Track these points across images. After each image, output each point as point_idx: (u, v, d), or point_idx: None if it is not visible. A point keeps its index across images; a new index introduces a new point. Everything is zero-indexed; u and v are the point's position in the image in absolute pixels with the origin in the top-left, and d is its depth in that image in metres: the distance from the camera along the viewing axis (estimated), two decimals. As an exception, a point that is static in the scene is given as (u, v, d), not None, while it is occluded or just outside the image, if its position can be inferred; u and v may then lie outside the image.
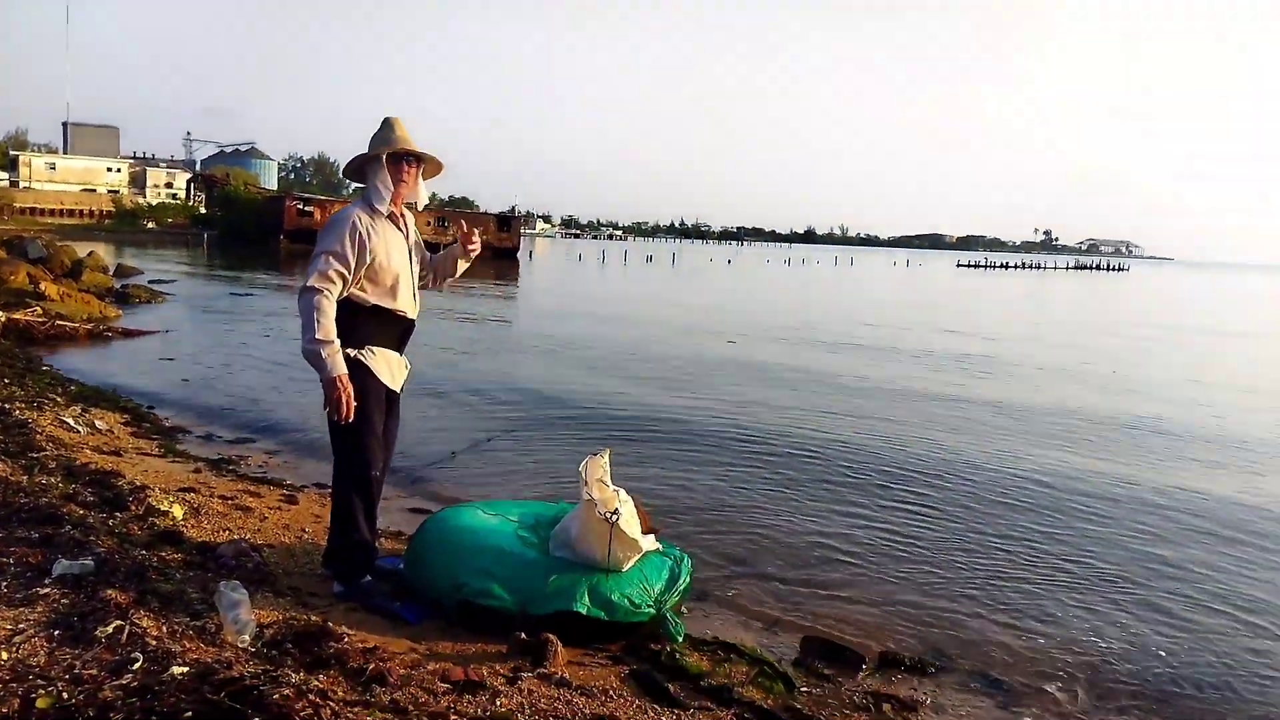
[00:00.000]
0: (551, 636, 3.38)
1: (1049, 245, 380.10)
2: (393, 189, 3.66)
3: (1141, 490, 7.02)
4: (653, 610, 3.64)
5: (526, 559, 3.70)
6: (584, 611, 3.51)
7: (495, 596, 3.56)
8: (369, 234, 3.56)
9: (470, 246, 3.97)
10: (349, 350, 3.54)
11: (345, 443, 3.66)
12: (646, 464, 7.01)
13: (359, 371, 3.57)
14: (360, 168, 3.74)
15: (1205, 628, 4.52)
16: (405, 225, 3.78)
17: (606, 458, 3.85)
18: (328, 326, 3.42)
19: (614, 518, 3.62)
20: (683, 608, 3.97)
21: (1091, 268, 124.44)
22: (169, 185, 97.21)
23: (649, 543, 3.90)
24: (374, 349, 3.65)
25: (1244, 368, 16.25)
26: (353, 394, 3.46)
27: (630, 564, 3.70)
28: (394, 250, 3.66)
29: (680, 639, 3.64)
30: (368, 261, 3.55)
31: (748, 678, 3.44)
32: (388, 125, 3.70)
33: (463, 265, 4.05)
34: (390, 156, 3.66)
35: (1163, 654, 4.19)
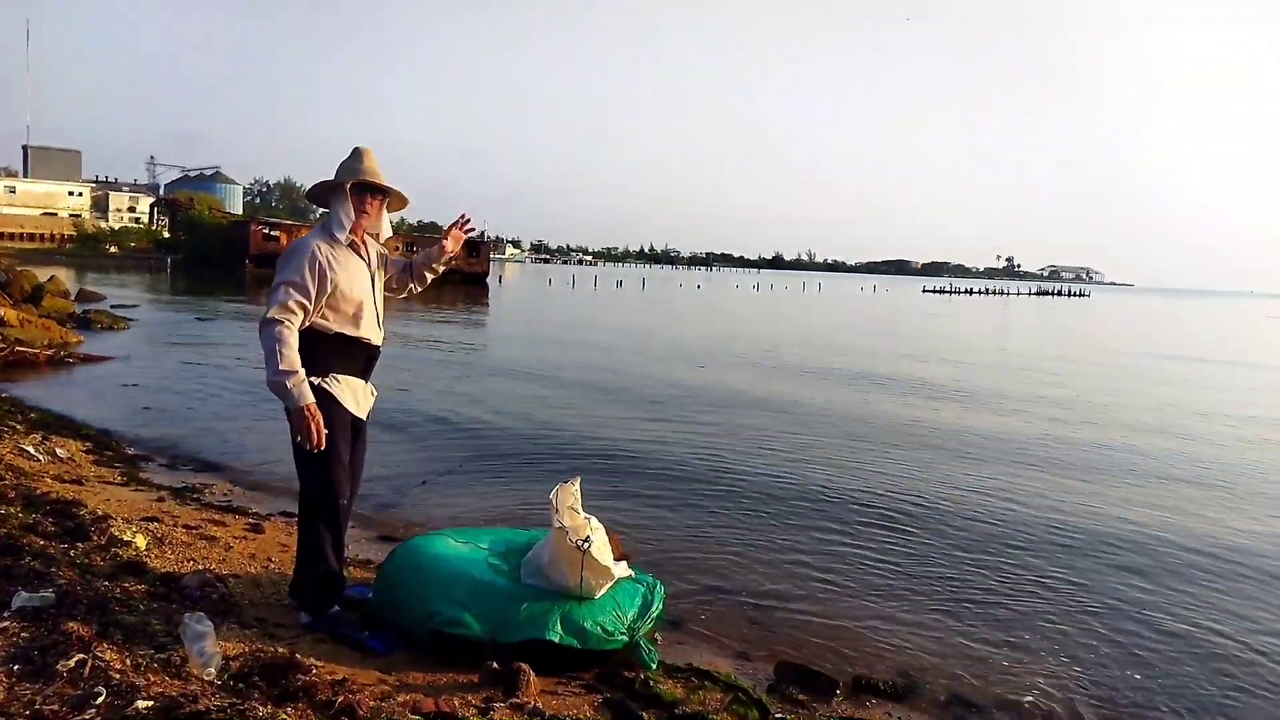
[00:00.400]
0: (524, 666, 3.35)
1: (1011, 271, 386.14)
2: (354, 219, 3.66)
3: (1113, 511, 7.12)
4: (626, 638, 3.62)
5: (498, 587, 3.67)
6: (556, 640, 3.49)
7: (466, 625, 3.52)
8: (329, 263, 3.53)
9: (466, 231, 3.98)
10: (313, 379, 3.51)
11: (311, 472, 3.62)
12: (618, 490, 7.00)
13: (324, 400, 3.54)
14: (324, 194, 3.73)
15: (1181, 647, 4.59)
16: (367, 253, 3.76)
17: (577, 485, 3.84)
18: (291, 357, 3.39)
19: (585, 545, 3.60)
20: (656, 635, 3.95)
21: (1053, 293, 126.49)
22: (132, 209, 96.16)
23: (621, 569, 3.89)
24: (339, 376, 3.62)
25: (1205, 393, 16.54)
26: (322, 422, 3.44)
27: (603, 591, 3.69)
28: (356, 278, 3.64)
29: (654, 666, 3.63)
30: (329, 290, 3.53)
31: (722, 705, 3.43)
32: (356, 155, 3.69)
33: (450, 246, 3.96)
34: (355, 186, 3.65)
35: (1138, 675, 4.24)
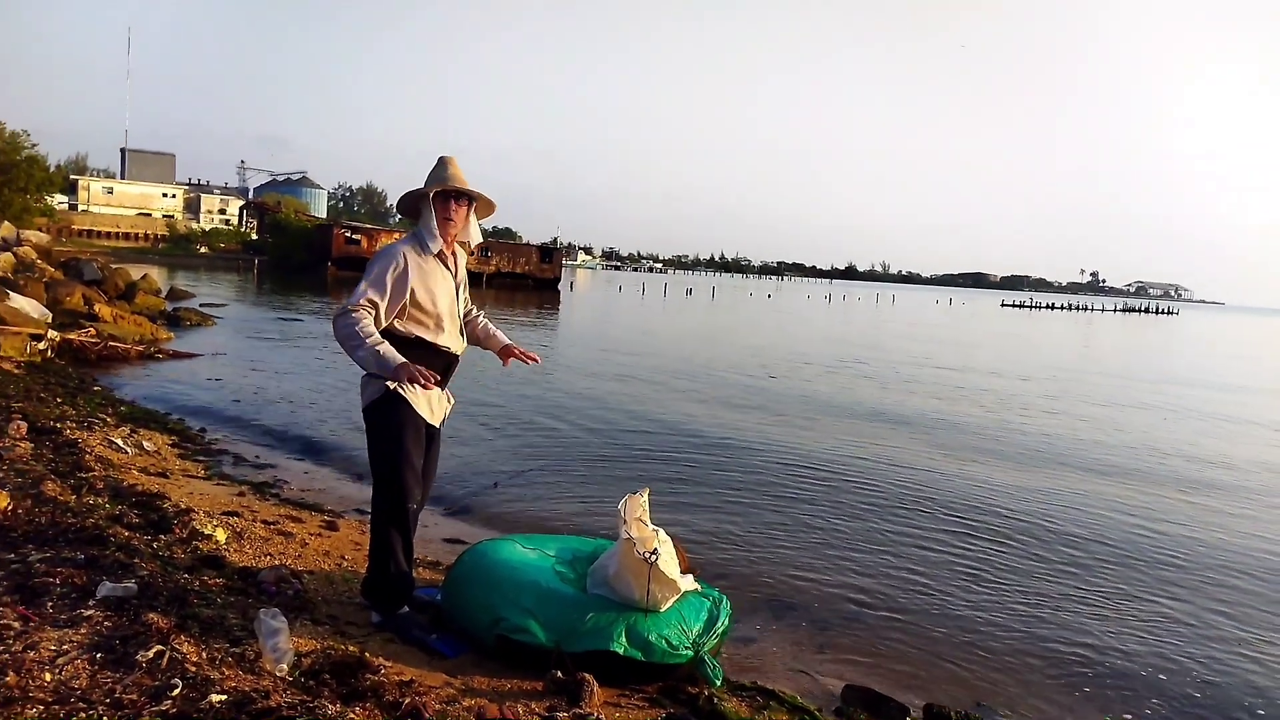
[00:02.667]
0: (588, 676, 3.34)
1: (1096, 286, 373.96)
2: (441, 228, 3.68)
3: (1204, 541, 6.82)
4: (690, 652, 3.58)
5: (564, 596, 3.67)
6: (620, 651, 3.47)
7: (532, 633, 3.53)
8: (412, 271, 3.58)
9: (527, 360, 3.94)
10: (389, 383, 3.56)
11: (383, 475, 3.67)
12: (687, 502, 6.95)
13: (397, 404, 3.59)
14: (414, 205, 3.75)
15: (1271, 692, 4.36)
16: (455, 264, 3.79)
17: (645, 496, 3.81)
18: (371, 332, 3.45)
19: (653, 557, 3.57)
20: (721, 651, 3.90)
21: (1140, 310, 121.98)
22: (222, 211, 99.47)
23: (688, 583, 3.85)
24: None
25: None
26: (420, 369, 3.43)
27: (668, 604, 3.66)
28: (439, 289, 3.67)
29: (719, 683, 3.58)
30: (406, 298, 3.57)
31: (787, 726, 3.37)
32: (441, 163, 3.72)
33: (502, 358, 3.99)
34: (439, 194, 3.68)
35: (1225, 704, 4.04)
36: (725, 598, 3.99)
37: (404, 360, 3.43)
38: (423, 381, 3.39)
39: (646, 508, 3.78)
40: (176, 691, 2.68)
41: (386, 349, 3.44)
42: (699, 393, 13.60)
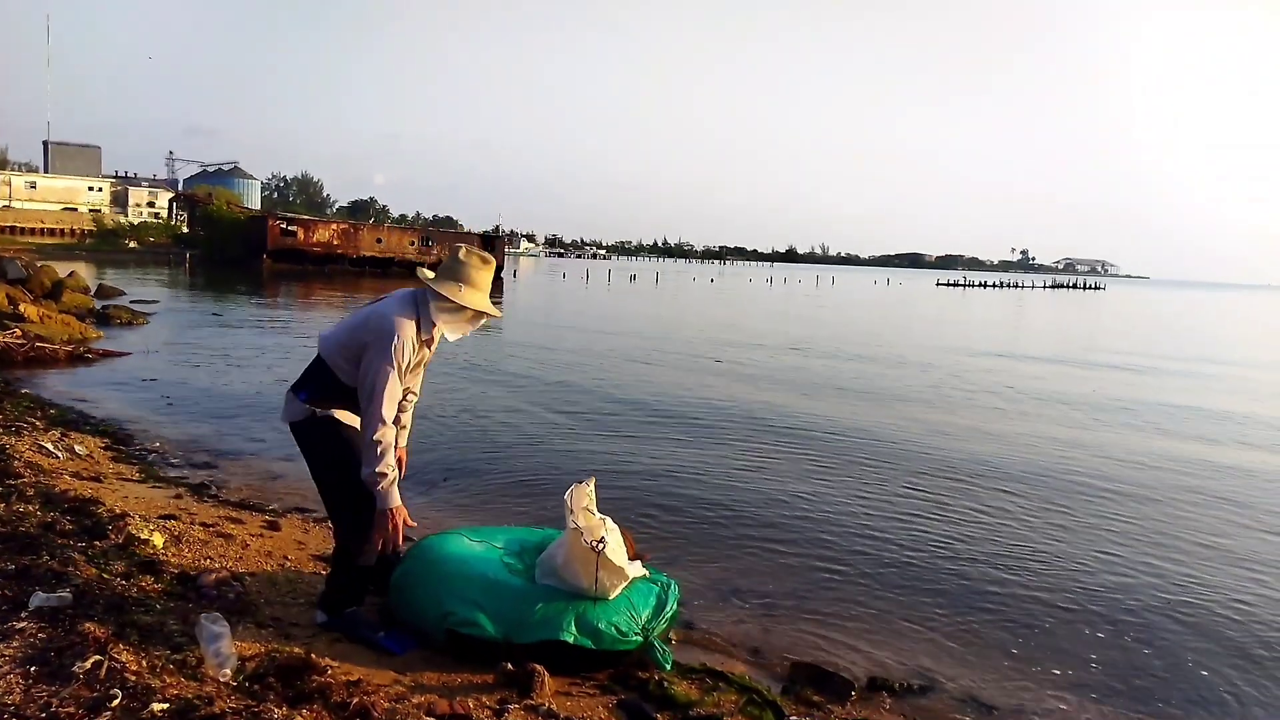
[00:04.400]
0: (538, 667, 3.35)
1: (1026, 264, 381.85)
2: (450, 331, 3.62)
3: (1136, 506, 7.07)
4: (640, 638, 3.62)
5: (512, 587, 3.67)
6: (571, 640, 3.48)
7: (481, 626, 3.53)
8: (412, 356, 3.55)
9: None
10: (317, 410, 3.56)
11: (336, 483, 3.62)
12: (633, 490, 6.98)
13: (331, 424, 3.59)
14: (437, 282, 3.61)
15: (1205, 644, 4.55)
16: (433, 340, 3.72)
17: (592, 486, 3.83)
18: (390, 459, 3.40)
19: (600, 546, 3.59)
20: (670, 635, 3.94)
21: (1068, 286, 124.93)
22: (151, 204, 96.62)
23: (636, 569, 3.88)
24: (339, 408, 3.62)
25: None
26: (402, 522, 3.44)
27: (617, 592, 3.68)
28: (416, 368, 3.69)
29: (668, 667, 3.62)
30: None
31: (737, 706, 3.42)
32: (485, 269, 3.64)
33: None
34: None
35: (1164, 674, 4.20)
36: (674, 582, 4.03)
37: (396, 506, 3.42)
38: (392, 540, 3.43)
39: (593, 497, 3.79)
40: (116, 702, 2.64)
41: (388, 486, 3.40)
42: (644, 382, 13.63)
